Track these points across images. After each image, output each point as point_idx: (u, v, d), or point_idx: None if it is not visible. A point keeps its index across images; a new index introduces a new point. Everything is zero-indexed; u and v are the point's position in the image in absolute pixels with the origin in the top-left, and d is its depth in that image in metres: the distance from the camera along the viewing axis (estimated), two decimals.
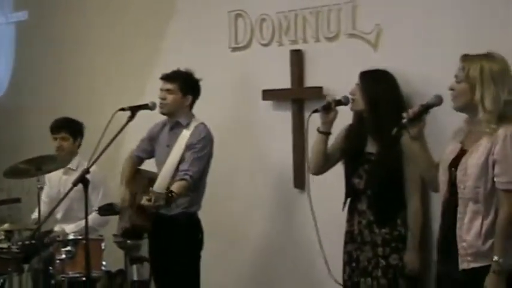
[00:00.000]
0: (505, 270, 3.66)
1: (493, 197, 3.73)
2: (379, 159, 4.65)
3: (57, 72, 7.28)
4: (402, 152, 4.56)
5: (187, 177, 5.25)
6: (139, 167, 5.60)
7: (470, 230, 3.73)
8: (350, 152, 4.79)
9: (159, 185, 5.33)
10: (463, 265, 3.74)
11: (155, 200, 5.00)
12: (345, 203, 4.81)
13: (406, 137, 4.22)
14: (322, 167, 4.86)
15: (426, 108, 3.88)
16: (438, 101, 3.89)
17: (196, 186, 5.34)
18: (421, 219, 4.63)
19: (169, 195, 5.04)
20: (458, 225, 3.77)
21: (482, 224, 3.72)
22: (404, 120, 3.85)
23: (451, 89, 3.83)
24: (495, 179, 3.71)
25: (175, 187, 5.20)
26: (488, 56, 3.80)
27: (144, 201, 5.05)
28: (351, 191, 4.78)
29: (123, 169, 5.58)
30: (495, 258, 3.67)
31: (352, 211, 4.79)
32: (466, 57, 3.81)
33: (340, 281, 4.76)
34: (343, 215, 4.84)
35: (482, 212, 3.73)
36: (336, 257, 4.77)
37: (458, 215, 3.77)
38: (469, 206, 3.75)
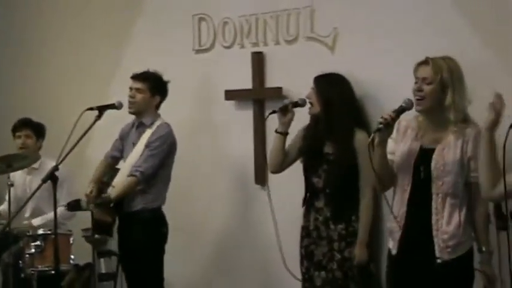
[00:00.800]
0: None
1: (467, 191, 3.90)
2: (335, 160, 4.74)
3: (25, 73, 7.26)
4: (355, 150, 4.68)
5: (137, 173, 5.32)
6: (117, 167, 5.64)
7: (450, 223, 3.87)
8: (307, 151, 4.88)
9: (118, 182, 5.43)
10: (444, 257, 3.86)
11: (91, 191, 5.37)
12: (304, 200, 4.91)
13: (360, 136, 4.40)
14: (281, 166, 4.95)
15: (400, 113, 3.90)
16: (410, 104, 3.92)
17: (150, 181, 5.38)
18: (372, 212, 4.73)
19: (101, 186, 5.40)
20: (434, 219, 3.88)
21: (460, 216, 3.87)
22: (380, 126, 3.84)
23: (419, 90, 3.87)
24: (472, 174, 3.86)
25: (124, 183, 5.34)
26: (451, 58, 3.91)
27: (88, 192, 5.38)
28: (310, 190, 4.88)
29: (95, 169, 5.64)
30: (484, 249, 3.89)
31: (309, 207, 4.89)
32: (433, 60, 3.87)
33: (298, 274, 4.89)
34: (302, 210, 4.95)
35: (459, 206, 3.87)
36: (294, 251, 4.91)
37: (434, 210, 3.88)
38: (447, 201, 3.87)
